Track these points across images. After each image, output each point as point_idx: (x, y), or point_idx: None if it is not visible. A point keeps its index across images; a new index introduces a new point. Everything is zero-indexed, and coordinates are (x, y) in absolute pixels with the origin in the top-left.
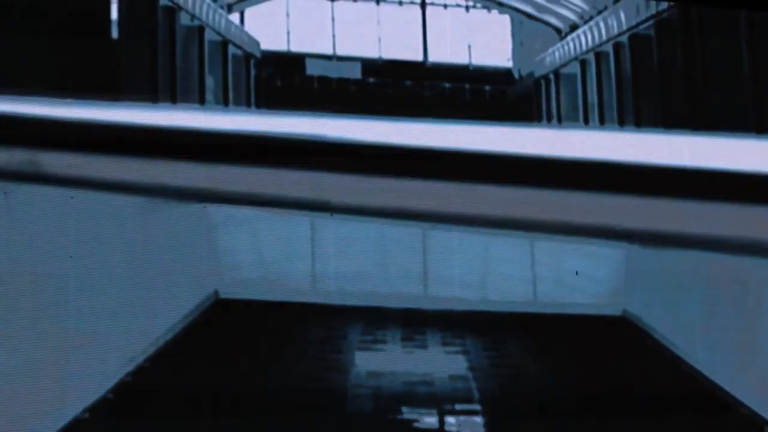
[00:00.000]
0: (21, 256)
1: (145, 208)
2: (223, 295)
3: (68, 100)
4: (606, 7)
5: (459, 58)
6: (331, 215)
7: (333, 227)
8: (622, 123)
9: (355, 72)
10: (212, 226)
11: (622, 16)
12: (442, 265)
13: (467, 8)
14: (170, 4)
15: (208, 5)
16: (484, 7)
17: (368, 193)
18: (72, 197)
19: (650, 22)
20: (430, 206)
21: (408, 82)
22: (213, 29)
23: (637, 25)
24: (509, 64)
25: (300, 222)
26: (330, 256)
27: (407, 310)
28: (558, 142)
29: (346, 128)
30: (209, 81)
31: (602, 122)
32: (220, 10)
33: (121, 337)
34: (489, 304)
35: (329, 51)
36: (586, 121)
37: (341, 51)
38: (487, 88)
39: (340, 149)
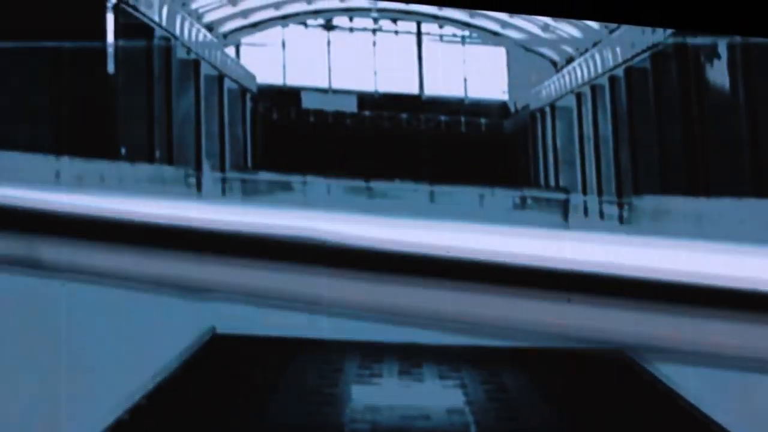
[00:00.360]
0: (12, 281)
1: None
2: (219, 330)
3: (68, 189)
4: (601, 40)
5: (455, 90)
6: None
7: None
8: (618, 157)
9: (351, 105)
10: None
11: (618, 48)
12: None
13: (463, 39)
14: (166, 36)
15: (204, 36)
16: (479, 38)
17: (362, 292)
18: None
19: (645, 55)
20: (423, 307)
21: (404, 116)
22: (209, 63)
23: (632, 57)
24: (505, 96)
25: None
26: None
27: (404, 344)
28: (556, 247)
29: (341, 225)
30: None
31: (597, 156)
32: (216, 42)
33: (118, 373)
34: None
35: (325, 83)
36: (582, 156)
37: (337, 83)
38: (482, 121)
39: (334, 247)
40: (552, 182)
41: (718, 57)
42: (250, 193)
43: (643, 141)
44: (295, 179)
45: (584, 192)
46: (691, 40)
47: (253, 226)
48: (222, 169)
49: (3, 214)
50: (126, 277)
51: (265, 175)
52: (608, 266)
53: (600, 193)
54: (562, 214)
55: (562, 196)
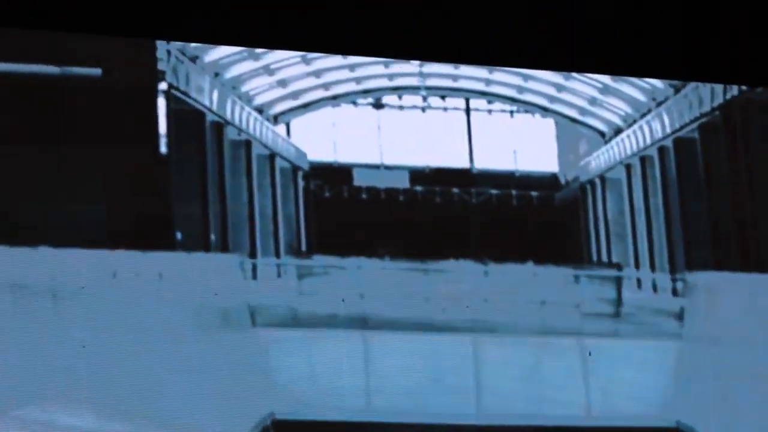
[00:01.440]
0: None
1: (197, 332)
2: (278, 416)
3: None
4: (649, 110)
5: (505, 163)
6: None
7: (386, 348)
8: (669, 229)
9: (403, 181)
10: (265, 347)
11: (665, 119)
12: (494, 377)
13: (511, 113)
14: (218, 119)
15: (255, 118)
16: (527, 111)
17: None
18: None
19: (693, 126)
20: None
21: (455, 190)
22: (260, 143)
23: (681, 128)
24: (555, 168)
25: (353, 338)
26: (383, 373)
27: (465, 425)
28: None
29: None
30: None
31: (649, 228)
32: (266, 123)
33: None
34: (543, 419)
35: (377, 159)
36: (633, 227)
37: (388, 160)
38: (533, 194)
39: None
40: (604, 253)
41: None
42: (305, 275)
43: (694, 213)
44: (349, 262)
45: (636, 265)
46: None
47: None
48: (276, 250)
49: None
50: None
51: (319, 260)
52: None
53: (652, 265)
54: (615, 291)
55: (615, 273)
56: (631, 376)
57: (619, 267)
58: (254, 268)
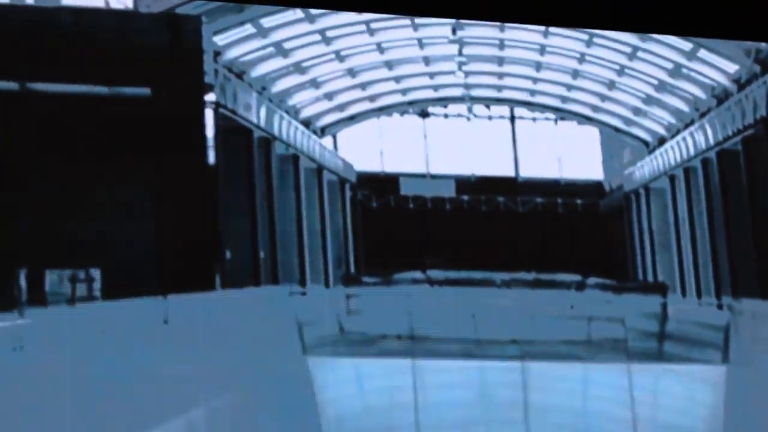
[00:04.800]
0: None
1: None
2: None
3: None
4: (692, 121)
5: (550, 171)
6: None
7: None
8: (714, 241)
9: (449, 190)
10: (314, 377)
11: (709, 131)
12: (541, 396)
13: (556, 121)
14: (266, 135)
15: (302, 132)
16: (571, 120)
17: None
18: None
19: (737, 138)
20: None
21: (501, 198)
22: (308, 156)
23: (725, 140)
24: (600, 176)
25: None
26: (431, 400)
27: None
28: None
29: None
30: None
31: (693, 238)
32: (313, 137)
33: None
34: None
35: (423, 169)
36: (678, 237)
37: (434, 169)
38: (578, 201)
39: None
40: (649, 263)
41: None
42: (353, 296)
43: (739, 224)
44: (397, 290)
45: (681, 276)
46: None
47: None
48: (325, 266)
49: None
50: None
51: (368, 286)
52: None
53: (697, 276)
54: (661, 313)
55: (660, 299)
56: (677, 396)
57: (664, 288)
58: (303, 293)
